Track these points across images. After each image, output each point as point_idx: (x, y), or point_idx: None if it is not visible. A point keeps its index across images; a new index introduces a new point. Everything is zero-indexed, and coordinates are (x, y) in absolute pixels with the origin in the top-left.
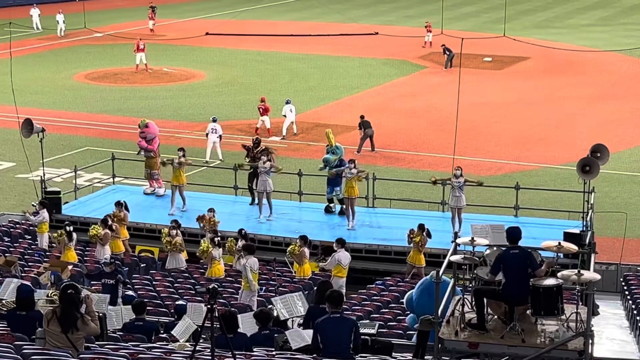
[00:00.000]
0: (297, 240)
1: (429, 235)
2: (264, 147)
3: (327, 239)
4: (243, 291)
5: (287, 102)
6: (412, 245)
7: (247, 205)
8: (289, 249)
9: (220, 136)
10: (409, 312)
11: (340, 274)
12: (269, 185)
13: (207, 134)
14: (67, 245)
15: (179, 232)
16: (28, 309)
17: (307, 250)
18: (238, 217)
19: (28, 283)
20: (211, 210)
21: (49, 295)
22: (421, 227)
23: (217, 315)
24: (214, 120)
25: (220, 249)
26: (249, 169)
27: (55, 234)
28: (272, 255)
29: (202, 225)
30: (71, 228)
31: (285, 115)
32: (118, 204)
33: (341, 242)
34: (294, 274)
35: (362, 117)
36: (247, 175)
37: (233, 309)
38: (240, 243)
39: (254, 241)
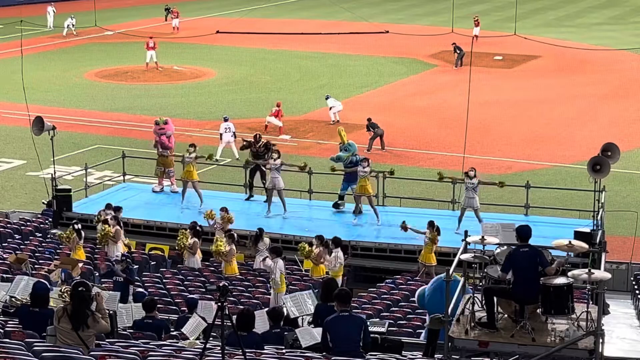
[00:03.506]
0: (313, 240)
1: (438, 232)
2: (265, 142)
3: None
4: (277, 294)
5: (327, 98)
6: (425, 243)
7: (259, 203)
8: (305, 250)
9: (234, 134)
10: (419, 310)
11: (339, 274)
12: (280, 183)
13: (220, 135)
14: (78, 243)
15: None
16: (42, 306)
17: (322, 250)
18: (248, 215)
19: (44, 280)
20: (224, 209)
21: (61, 292)
22: (431, 224)
23: (228, 313)
24: (226, 120)
25: (234, 246)
26: (253, 165)
27: (66, 233)
28: (283, 253)
29: (211, 223)
30: (79, 226)
31: (332, 107)
32: (108, 207)
33: (336, 242)
34: (303, 272)
35: (369, 119)
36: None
37: (249, 308)
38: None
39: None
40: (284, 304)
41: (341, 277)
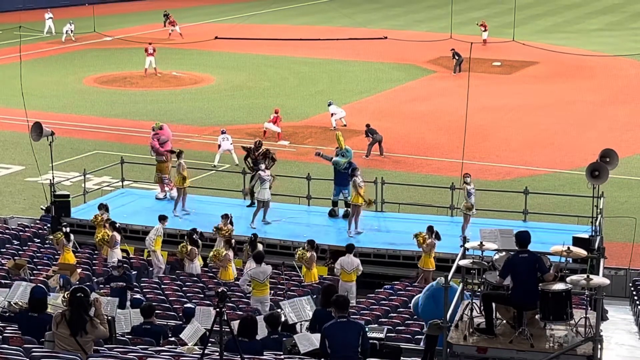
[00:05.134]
0: (305, 245)
1: (437, 237)
2: (265, 150)
3: (335, 243)
4: (252, 296)
5: (330, 104)
6: (422, 249)
7: (254, 208)
8: (297, 254)
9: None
10: (417, 317)
11: (345, 279)
12: (263, 194)
13: (219, 145)
14: (66, 246)
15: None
16: (40, 311)
17: (314, 255)
18: (247, 221)
19: (42, 285)
20: (226, 216)
21: (64, 297)
22: (430, 229)
23: (226, 318)
24: (223, 132)
25: (231, 252)
26: (250, 171)
27: (55, 236)
28: (281, 259)
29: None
30: (68, 229)
31: (333, 114)
32: (102, 207)
33: (347, 248)
34: (302, 278)
35: (367, 125)
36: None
37: (252, 315)
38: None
39: (262, 245)
40: (281, 309)
41: (354, 282)
